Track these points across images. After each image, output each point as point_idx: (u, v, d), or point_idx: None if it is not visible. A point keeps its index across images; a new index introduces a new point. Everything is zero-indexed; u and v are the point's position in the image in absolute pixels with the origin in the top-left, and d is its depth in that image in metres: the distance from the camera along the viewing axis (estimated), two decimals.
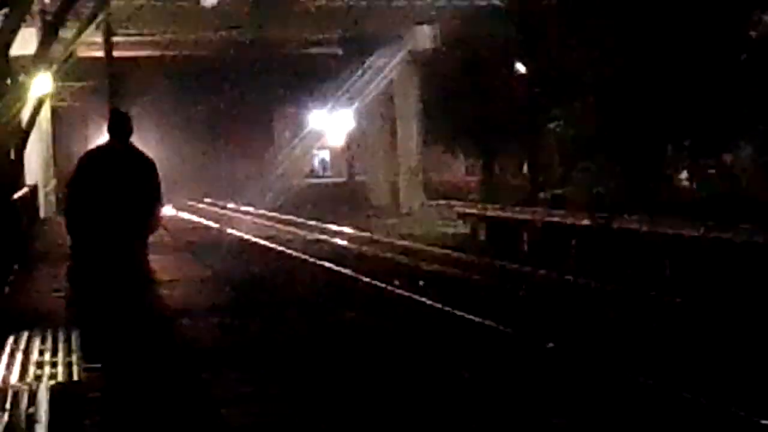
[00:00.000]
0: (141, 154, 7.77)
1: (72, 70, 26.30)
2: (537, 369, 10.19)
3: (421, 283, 17.27)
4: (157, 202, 7.75)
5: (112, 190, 7.63)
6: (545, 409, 8.42)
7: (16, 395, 6.98)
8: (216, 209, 42.57)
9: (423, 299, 15.17)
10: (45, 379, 8.85)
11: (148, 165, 7.71)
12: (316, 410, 7.99)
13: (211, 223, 34.77)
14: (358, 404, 8.45)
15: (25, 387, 7.39)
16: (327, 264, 20.64)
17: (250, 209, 39.66)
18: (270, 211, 37.58)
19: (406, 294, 15.93)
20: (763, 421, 7.57)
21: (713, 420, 7.82)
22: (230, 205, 43.05)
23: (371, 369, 9.99)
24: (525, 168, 32.59)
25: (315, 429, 7.55)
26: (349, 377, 9.47)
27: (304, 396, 8.38)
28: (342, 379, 9.32)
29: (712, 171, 24.22)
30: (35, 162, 32.10)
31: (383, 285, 16.99)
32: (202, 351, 10.02)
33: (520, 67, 30.71)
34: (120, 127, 7.82)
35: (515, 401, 8.76)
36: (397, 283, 17.08)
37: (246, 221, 35.22)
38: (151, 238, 7.92)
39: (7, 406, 6.68)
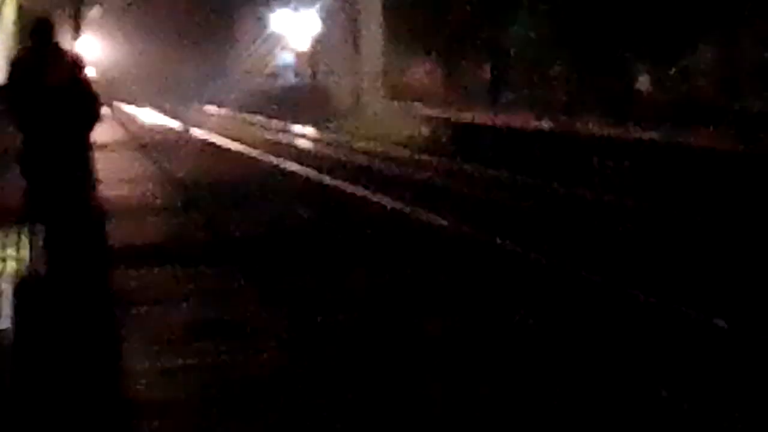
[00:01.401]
0: (66, 52, 8.39)
1: None
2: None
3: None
4: (90, 98, 8.24)
5: (43, 91, 8.08)
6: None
7: None
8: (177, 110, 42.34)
9: (364, 193, 15.45)
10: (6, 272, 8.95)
11: (76, 63, 8.27)
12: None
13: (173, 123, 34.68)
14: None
15: None
16: (283, 163, 20.82)
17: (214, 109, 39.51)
18: (233, 110, 37.49)
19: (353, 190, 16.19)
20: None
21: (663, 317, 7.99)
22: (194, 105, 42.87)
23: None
24: (486, 71, 32.54)
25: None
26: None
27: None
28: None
29: (672, 75, 24.31)
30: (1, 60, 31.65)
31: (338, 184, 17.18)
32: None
33: None
34: (43, 34, 8.32)
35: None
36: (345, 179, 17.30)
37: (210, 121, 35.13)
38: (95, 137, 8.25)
39: None
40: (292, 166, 20.32)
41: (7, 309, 7.88)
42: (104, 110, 10.01)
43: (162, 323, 7.73)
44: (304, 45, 46.28)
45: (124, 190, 16.23)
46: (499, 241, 11.27)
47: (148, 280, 9.36)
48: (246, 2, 53.80)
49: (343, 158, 22.44)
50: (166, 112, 42.37)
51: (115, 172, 18.28)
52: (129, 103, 48.30)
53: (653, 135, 17.94)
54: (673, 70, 23.68)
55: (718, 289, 8.79)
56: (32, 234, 9.25)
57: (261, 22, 51.92)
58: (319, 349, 7.02)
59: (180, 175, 18.86)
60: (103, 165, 17.33)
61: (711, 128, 18.02)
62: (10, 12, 31.08)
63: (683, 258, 10.37)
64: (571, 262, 9.91)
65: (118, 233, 11.44)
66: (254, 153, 24.01)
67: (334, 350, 7.01)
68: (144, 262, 10.12)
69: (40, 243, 8.58)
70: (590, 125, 20.08)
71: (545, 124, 21.08)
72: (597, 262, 9.99)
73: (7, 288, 8.53)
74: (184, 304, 8.36)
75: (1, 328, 7.33)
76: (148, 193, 16.13)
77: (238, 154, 24.38)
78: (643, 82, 24.91)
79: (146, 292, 8.83)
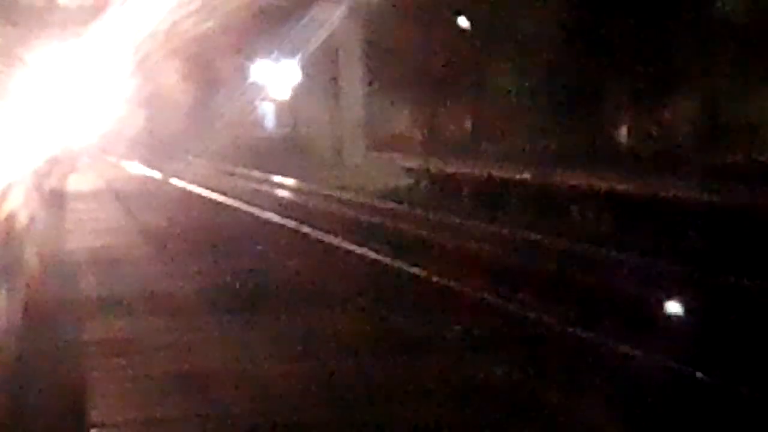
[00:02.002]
0: None
1: None
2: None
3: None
4: None
5: None
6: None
7: None
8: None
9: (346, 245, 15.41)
10: None
11: None
12: None
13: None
14: None
15: None
16: (266, 215, 20.76)
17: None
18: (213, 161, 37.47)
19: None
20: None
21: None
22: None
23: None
24: (467, 121, 32.70)
25: None
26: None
27: None
28: None
29: (652, 127, 24.48)
30: None
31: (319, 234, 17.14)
32: None
33: (463, 22, 30.72)
34: None
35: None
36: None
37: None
38: None
39: None
40: (273, 217, 20.28)
41: None
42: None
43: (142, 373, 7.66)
44: (285, 95, 46.43)
45: (101, 241, 16.14)
46: (481, 294, 11.22)
47: (129, 330, 9.29)
48: (226, 53, 53.90)
49: (325, 209, 22.42)
50: (152, 166, 42.27)
51: (91, 222, 18.20)
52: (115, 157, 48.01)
53: (632, 186, 18.01)
54: (653, 121, 23.83)
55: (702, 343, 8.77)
56: None
57: (241, 72, 52.02)
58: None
59: (159, 224, 18.79)
60: (81, 215, 17.24)
61: (688, 179, 18.11)
62: None
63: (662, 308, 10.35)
64: (548, 313, 9.87)
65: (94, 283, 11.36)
66: (234, 203, 23.97)
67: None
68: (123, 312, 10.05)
69: None
70: (569, 176, 20.13)
71: (525, 175, 21.14)
72: (576, 313, 9.96)
73: None
74: (163, 354, 8.29)
75: None
76: (124, 243, 16.04)
77: (219, 204, 24.33)
78: (623, 133, 25.06)
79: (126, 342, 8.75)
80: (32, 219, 9.57)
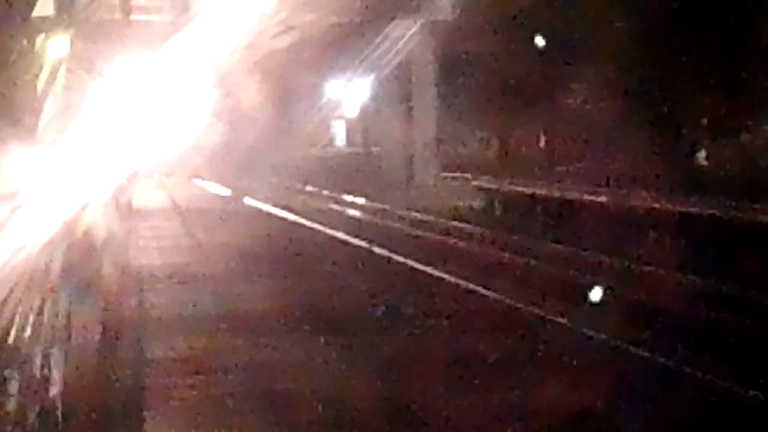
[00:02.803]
0: None
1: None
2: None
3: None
4: None
5: None
6: None
7: None
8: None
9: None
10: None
11: None
12: None
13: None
14: None
15: None
16: (339, 234, 20.69)
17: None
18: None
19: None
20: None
21: None
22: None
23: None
24: (542, 142, 32.46)
25: None
26: None
27: None
28: None
29: (731, 150, 24.09)
30: None
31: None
32: None
33: (540, 41, 30.51)
34: None
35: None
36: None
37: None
38: None
39: None
40: (344, 236, 20.22)
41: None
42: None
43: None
44: (357, 113, 46.50)
45: (174, 258, 16.20)
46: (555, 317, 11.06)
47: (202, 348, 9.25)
48: (299, 70, 54.12)
49: (396, 229, 22.31)
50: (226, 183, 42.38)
51: (164, 239, 18.28)
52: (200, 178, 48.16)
53: (711, 210, 17.69)
54: (733, 144, 23.47)
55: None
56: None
57: (315, 90, 52.16)
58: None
59: (231, 242, 18.81)
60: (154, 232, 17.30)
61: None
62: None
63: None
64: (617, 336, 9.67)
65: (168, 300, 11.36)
66: (307, 222, 23.97)
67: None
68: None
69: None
70: (646, 199, 19.84)
71: (601, 197, 20.88)
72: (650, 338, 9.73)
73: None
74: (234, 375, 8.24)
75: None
76: (198, 261, 16.08)
77: (291, 223, 24.34)
78: (701, 157, 24.71)
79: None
80: (110, 234, 9.56)
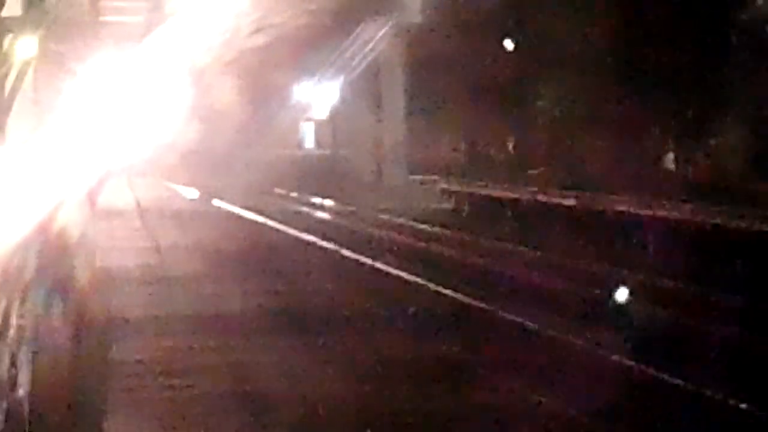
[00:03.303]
0: None
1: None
2: None
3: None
4: None
5: None
6: None
7: None
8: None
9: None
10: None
11: None
12: None
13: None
14: None
15: None
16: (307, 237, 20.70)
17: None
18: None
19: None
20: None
21: None
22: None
23: None
24: (510, 145, 32.53)
25: None
26: None
27: None
28: None
29: (698, 154, 24.25)
30: None
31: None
32: None
33: (508, 44, 30.59)
34: None
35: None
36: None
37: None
38: None
39: None
40: (312, 238, 20.20)
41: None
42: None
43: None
44: (326, 115, 46.40)
45: (143, 259, 16.13)
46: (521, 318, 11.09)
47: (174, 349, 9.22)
48: (268, 72, 53.97)
49: (363, 231, 22.33)
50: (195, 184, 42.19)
51: (135, 240, 18.21)
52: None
53: (676, 212, 17.82)
54: (700, 147, 23.63)
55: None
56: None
57: (284, 91, 51.97)
58: None
59: (199, 243, 18.78)
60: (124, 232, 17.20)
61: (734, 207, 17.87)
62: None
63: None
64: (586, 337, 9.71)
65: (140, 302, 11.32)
66: (274, 224, 23.94)
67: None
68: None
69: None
70: (614, 201, 19.94)
71: (569, 200, 20.96)
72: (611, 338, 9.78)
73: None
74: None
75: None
76: (167, 262, 16.03)
77: (259, 225, 24.30)
78: (669, 159, 24.85)
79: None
80: (83, 234, 9.51)
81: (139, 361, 8.75)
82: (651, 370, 8.56)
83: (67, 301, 7.70)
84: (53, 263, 7.83)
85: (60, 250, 7.77)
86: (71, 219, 8.32)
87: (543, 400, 7.58)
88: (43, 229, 7.54)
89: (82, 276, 8.43)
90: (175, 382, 8.10)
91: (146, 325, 10.60)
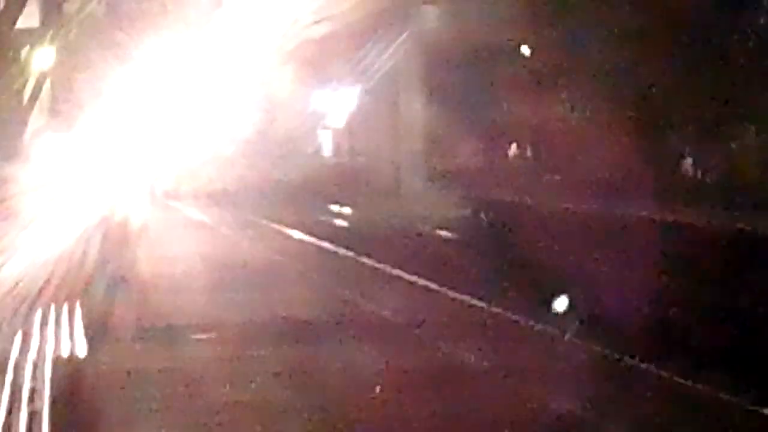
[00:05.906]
0: None
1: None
2: None
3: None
4: None
5: None
6: None
7: None
8: None
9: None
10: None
11: None
12: None
13: None
14: None
15: None
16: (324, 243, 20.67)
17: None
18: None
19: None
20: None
21: None
22: None
23: None
24: (528, 151, 32.52)
25: None
26: None
27: None
28: None
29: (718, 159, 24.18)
30: None
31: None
32: None
33: (526, 50, 30.58)
34: None
35: None
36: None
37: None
38: None
39: None
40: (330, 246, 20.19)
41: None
42: None
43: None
44: (344, 123, 46.37)
45: None
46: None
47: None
48: (285, 80, 53.93)
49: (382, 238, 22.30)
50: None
51: None
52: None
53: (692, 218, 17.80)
54: (719, 152, 23.58)
55: None
56: None
57: (302, 100, 51.89)
58: None
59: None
60: None
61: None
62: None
63: None
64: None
65: None
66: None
67: None
68: None
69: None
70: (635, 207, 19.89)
71: (590, 206, 20.93)
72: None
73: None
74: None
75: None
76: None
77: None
78: (688, 165, 24.80)
79: None
80: (143, 225, 9.57)
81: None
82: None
83: (130, 292, 7.68)
84: (116, 254, 7.84)
85: (122, 240, 7.77)
86: (133, 210, 8.29)
87: None
88: (105, 220, 7.57)
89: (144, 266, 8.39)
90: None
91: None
